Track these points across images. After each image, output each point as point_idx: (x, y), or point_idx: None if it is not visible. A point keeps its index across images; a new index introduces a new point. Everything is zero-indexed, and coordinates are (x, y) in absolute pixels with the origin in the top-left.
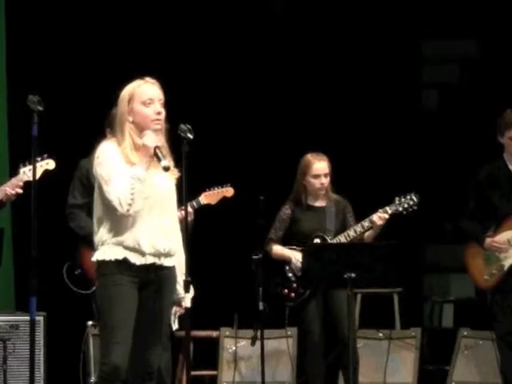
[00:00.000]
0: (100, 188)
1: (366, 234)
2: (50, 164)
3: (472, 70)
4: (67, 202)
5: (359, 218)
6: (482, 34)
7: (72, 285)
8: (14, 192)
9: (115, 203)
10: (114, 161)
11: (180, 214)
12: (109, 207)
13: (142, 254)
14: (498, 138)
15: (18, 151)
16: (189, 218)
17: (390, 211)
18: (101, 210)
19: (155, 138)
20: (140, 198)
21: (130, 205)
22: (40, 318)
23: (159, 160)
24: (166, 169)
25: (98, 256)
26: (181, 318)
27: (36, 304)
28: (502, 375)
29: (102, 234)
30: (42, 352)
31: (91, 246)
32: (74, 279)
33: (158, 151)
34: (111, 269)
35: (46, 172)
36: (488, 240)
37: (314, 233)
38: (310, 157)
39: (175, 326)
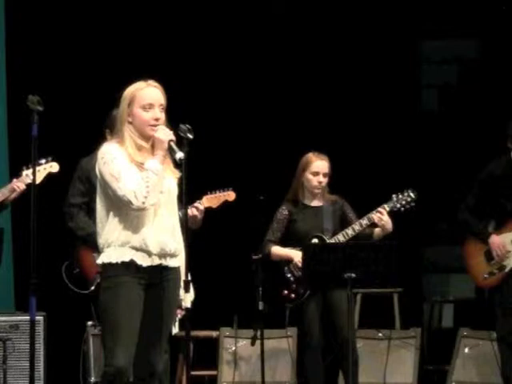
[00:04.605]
0: (105, 188)
1: (376, 233)
2: (53, 167)
3: (471, 70)
4: (65, 201)
5: (359, 218)
6: (482, 33)
7: (70, 284)
8: (19, 185)
9: (130, 197)
10: (121, 159)
11: (191, 211)
12: (119, 205)
13: (149, 254)
14: (507, 143)
15: (18, 151)
16: (199, 216)
17: (387, 208)
18: (105, 210)
19: (168, 132)
20: (156, 191)
21: (145, 197)
22: (40, 318)
23: (174, 153)
24: (181, 160)
25: (103, 259)
26: (180, 319)
27: (36, 304)
28: (503, 377)
29: (107, 235)
30: (41, 352)
31: (89, 246)
32: (73, 278)
33: (172, 144)
34: (117, 271)
35: (50, 175)
36: (495, 239)
37: (311, 233)
38: (311, 154)
39: (175, 330)
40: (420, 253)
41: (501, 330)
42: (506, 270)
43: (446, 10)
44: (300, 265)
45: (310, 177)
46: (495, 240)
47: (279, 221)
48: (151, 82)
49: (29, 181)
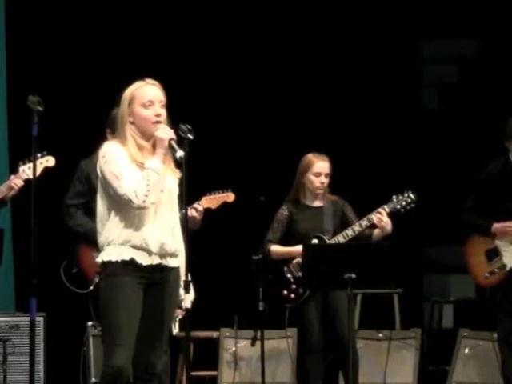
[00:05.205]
0: (106, 186)
1: (375, 234)
2: (49, 161)
3: (472, 70)
4: (64, 201)
5: (359, 218)
6: (482, 33)
7: (69, 283)
8: (16, 183)
9: (130, 195)
10: (122, 158)
11: (190, 212)
12: (120, 204)
13: (149, 253)
14: (505, 142)
15: (18, 151)
16: (198, 217)
17: (387, 209)
18: (106, 209)
19: (169, 130)
20: (156, 190)
21: (146, 196)
22: (40, 319)
23: (174, 151)
24: (182, 159)
25: (103, 257)
26: (181, 319)
27: (36, 304)
28: (503, 377)
29: (107, 233)
30: (42, 352)
31: (89, 244)
32: (72, 278)
33: (172, 143)
34: (117, 270)
35: (46, 169)
36: (497, 224)
37: (311, 233)
38: (311, 156)
39: (175, 330)
40: (420, 253)
41: (501, 329)
42: (507, 268)
43: (446, 9)
44: (300, 264)
45: (313, 178)
46: (497, 225)
47: (279, 221)
48: (149, 80)
49: (26, 176)
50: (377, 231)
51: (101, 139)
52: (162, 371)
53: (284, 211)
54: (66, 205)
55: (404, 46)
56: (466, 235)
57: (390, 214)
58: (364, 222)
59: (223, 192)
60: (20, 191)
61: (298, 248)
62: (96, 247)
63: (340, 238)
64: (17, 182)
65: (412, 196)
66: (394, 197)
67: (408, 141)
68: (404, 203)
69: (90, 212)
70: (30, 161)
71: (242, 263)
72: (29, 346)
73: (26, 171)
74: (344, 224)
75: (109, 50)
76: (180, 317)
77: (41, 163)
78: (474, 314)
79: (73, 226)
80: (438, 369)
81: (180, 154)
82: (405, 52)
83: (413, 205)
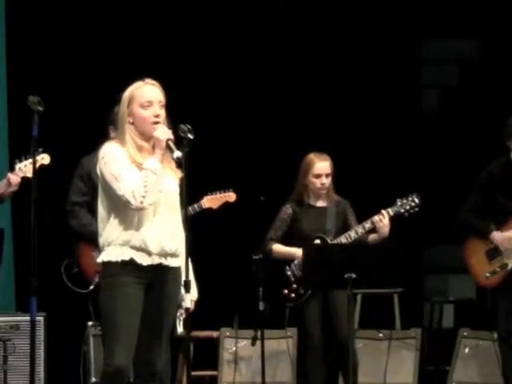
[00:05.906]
0: (106, 187)
1: (370, 237)
2: (45, 159)
3: (472, 71)
4: (68, 200)
5: (360, 220)
6: (482, 33)
7: (70, 283)
8: (15, 179)
9: (128, 196)
10: (121, 159)
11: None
12: (119, 205)
13: (149, 253)
14: (505, 141)
15: (18, 151)
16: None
17: (391, 213)
18: (106, 210)
19: (167, 131)
20: (154, 190)
21: (143, 197)
22: (40, 319)
23: (172, 152)
24: (179, 159)
25: (103, 257)
26: (185, 319)
27: (36, 304)
28: (503, 377)
29: (107, 234)
30: (42, 352)
31: (94, 244)
32: (72, 277)
33: (170, 143)
34: (117, 270)
35: (42, 166)
36: (496, 234)
37: (313, 233)
38: (312, 156)
39: (180, 329)
40: (420, 253)
41: (501, 329)
42: (508, 268)
43: (446, 9)
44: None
45: (314, 180)
46: (497, 236)
47: (282, 219)
48: (149, 81)
49: (22, 174)
50: (373, 236)
51: (103, 138)
52: (163, 370)
53: (288, 210)
54: (70, 202)
55: (404, 46)
56: (466, 235)
57: (394, 217)
58: (367, 225)
59: (224, 192)
60: (19, 188)
61: (300, 251)
62: (97, 247)
63: (342, 240)
64: (14, 177)
65: (416, 200)
66: (398, 200)
67: (407, 141)
68: (408, 207)
69: (94, 210)
70: (25, 158)
71: (242, 263)
72: (29, 346)
73: (22, 169)
74: (344, 226)
75: (109, 50)
76: (184, 316)
77: (36, 161)
78: (474, 314)
79: (76, 226)
80: (438, 369)
81: (177, 154)
82: (405, 52)
83: (417, 209)
